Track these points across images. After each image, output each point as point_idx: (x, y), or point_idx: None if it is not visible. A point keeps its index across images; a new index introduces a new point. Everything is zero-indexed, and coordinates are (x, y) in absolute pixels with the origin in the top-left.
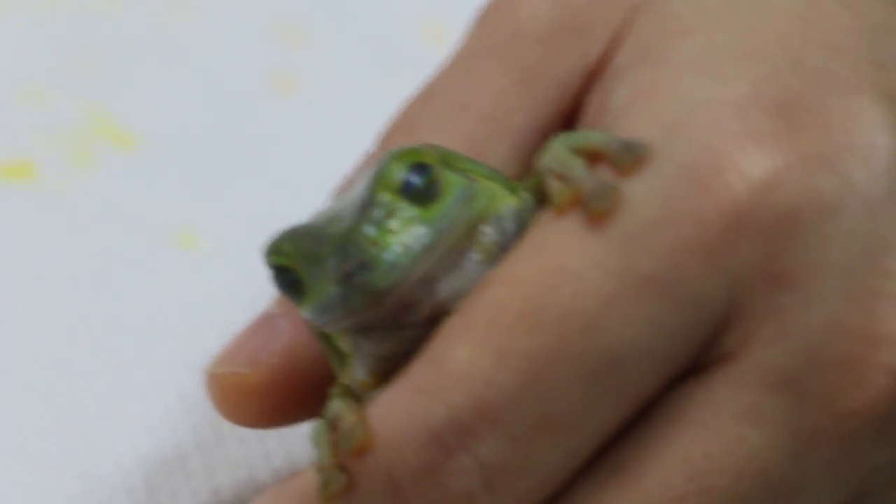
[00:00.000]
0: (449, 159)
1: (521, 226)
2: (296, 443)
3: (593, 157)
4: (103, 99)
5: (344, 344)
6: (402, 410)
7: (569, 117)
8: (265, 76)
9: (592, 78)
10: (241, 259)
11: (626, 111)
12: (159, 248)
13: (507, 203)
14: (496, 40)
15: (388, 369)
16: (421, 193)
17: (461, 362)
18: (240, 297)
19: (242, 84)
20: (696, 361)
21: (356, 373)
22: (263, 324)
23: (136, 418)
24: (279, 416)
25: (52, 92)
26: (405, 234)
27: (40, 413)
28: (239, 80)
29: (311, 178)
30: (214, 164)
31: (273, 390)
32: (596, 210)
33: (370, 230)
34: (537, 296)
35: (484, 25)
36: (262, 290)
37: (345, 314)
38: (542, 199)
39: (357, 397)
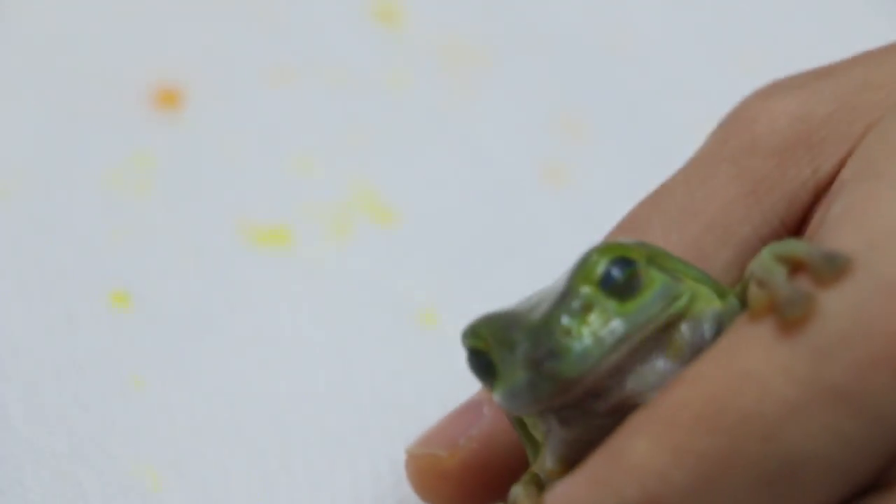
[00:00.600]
0: (656, 257)
1: (721, 329)
2: None
3: (796, 266)
4: (369, 173)
5: (538, 433)
6: (574, 499)
7: (795, 230)
8: (536, 165)
9: (822, 193)
10: None
11: (838, 223)
12: (401, 322)
13: (711, 306)
14: (732, 149)
15: (574, 458)
16: (621, 287)
17: (637, 456)
18: (468, 378)
19: (511, 171)
20: (878, 478)
21: (546, 462)
22: (468, 409)
23: (346, 486)
24: (472, 500)
25: (320, 162)
26: (599, 326)
27: (250, 473)
28: (509, 167)
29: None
30: (469, 247)
31: (468, 475)
32: (789, 318)
33: (564, 319)
34: (719, 398)
35: (721, 133)
36: None
37: (532, 401)
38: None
39: (543, 487)
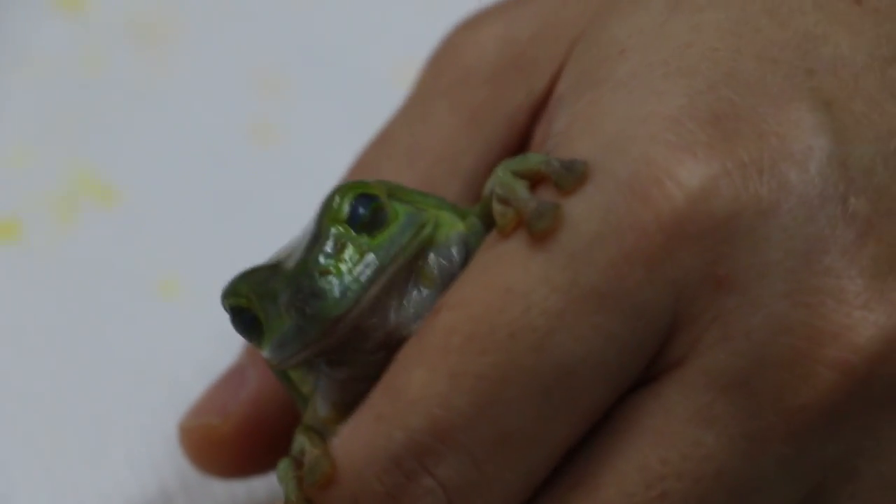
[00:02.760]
0: (396, 191)
1: (469, 251)
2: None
3: (536, 179)
4: (86, 157)
5: (306, 386)
6: (362, 439)
7: (517, 152)
8: (243, 127)
9: (539, 111)
10: (219, 305)
11: (567, 134)
12: (143, 297)
13: (455, 229)
14: (445, 82)
15: (349, 403)
16: (368, 222)
17: (416, 387)
18: (223, 342)
19: (221, 136)
20: (646, 371)
21: (319, 411)
22: (232, 376)
23: (122, 460)
24: (251, 464)
25: (36, 153)
26: (355, 262)
27: (27, 460)
28: (217, 132)
29: (290, 225)
30: (195, 215)
31: (243, 439)
32: (539, 230)
33: (321, 260)
34: (486, 317)
35: (433, 68)
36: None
37: (302, 346)
38: (490, 224)
39: (321, 435)
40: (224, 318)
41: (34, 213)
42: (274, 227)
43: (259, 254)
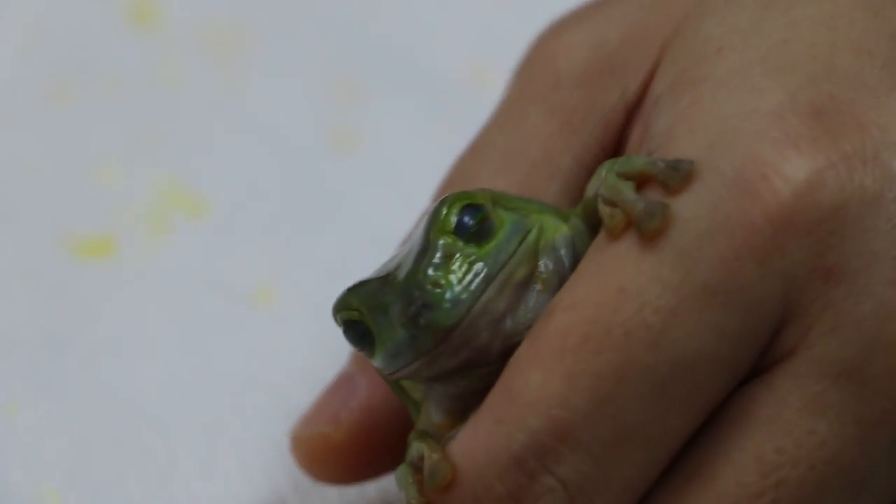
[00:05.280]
0: (499, 199)
1: (576, 253)
2: (389, 480)
3: (641, 180)
4: (173, 171)
5: (416, 392)
6: (482, 441)
7: (614, 153)
8: (324, 134)
9: (634, 112)
10: (319, 311)
11: (670, 134)
12: (240, 307)
13: (560, 232)
14: (538, 88)
15: (463, 409)
16: (475, 233)
17: (534, 389)
18: (322, 347)
19: (303, 143)
20: (758, 363)
21: (432, 417)
22: (342, 384)
23: (234, 468)
24: (364, 471)
25: (123, 169)
26: (464, 272)
27: (143, 472)
28: (299, 139)
29: (378, 229)
30: (283, 222)
31: (356, 446)
32: (648, 230)
33: (430, 272)
34: (601, 317)
35: (525, 75)
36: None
37: (415, 356)
38: (593, 225)
39: (435, 440)
40: (321, 323)
41: (127, 229)
42: (359, 232)
43: (346, 258)
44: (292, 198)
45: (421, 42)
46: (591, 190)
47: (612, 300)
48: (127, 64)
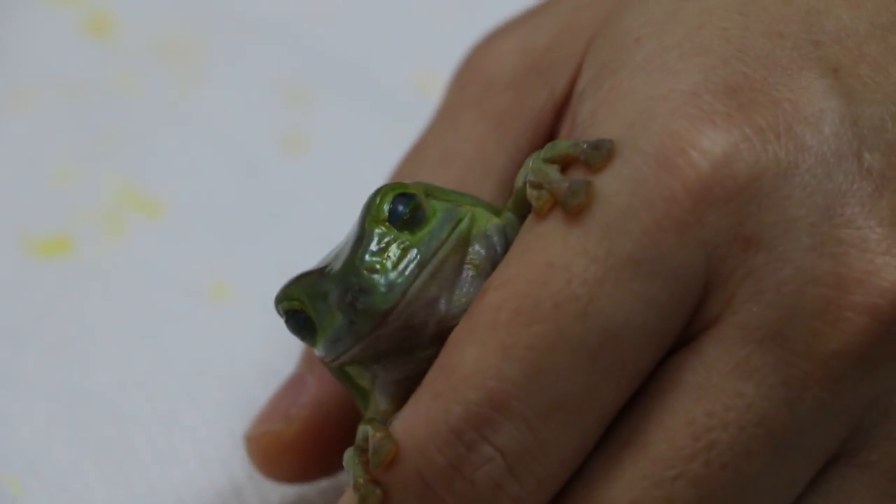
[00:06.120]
0: (432, 191)
1: (508, 240)
2: (343, 476)
3: (566, 162)
4: (128, 173)
5: (364, 381)
6: (422, 416)
7: None
8: (275, 138)
9: (562, 110)
10: (272, 306)
11: (591, 120)
12: (195, 302)
13: (493, 222)
14: (470, 93)
15: (407, 394)
16: (408, 220)
17: (470, 363)
18: (274, 340)
19: (254, 147)
20: (685, 332)
21: (379, 405)
22: (292, 384)
23: (191, 458)
24: (317, 468)
25: (80, 172)
26: (399, 257)
27: (102, 461)
28: (250, 143)
29: (327, 228)
30: (236, 222)
31: (308, 442)
32: (573, 206)
33: (366, 258)
34: (531, 292)
35: (457, 82)
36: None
37: (355, 340)
38: (524, 216)
39: (383, 422)
40: (275, 318)
41: (83, 229)
42: (310, 230)
43: (298, 255)
44: (244, 199)
45: (369, 51)
46: (520, 180)
47: (542, 275)
48: (84, 73)
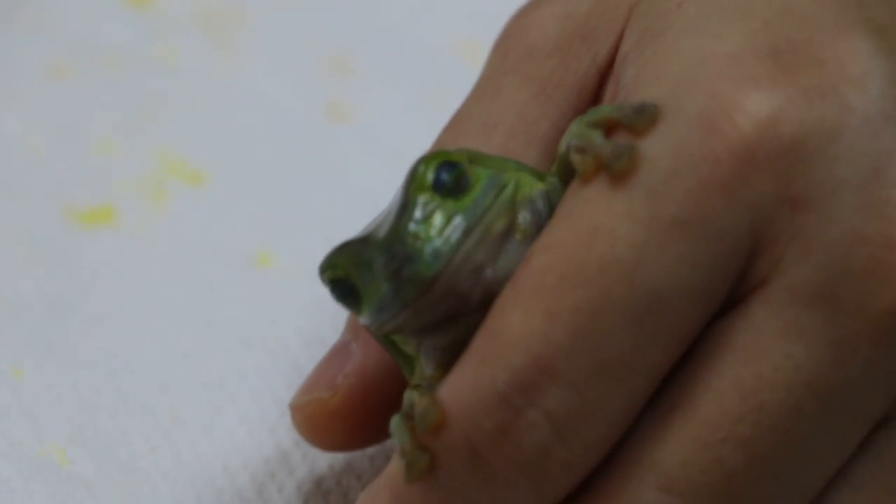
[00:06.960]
0: (476, 158)
1: (553, 205)
2: (390, 444)
3: (609, 126)
4: (170, 143)
5: (409, 347)
6: (469, 382)
7: None
8: (318, 107)
9: (606, 75)
10: (315, 273)
11: (635, 84)
12: (239, 269)
13: (537, 188)
14: (512, 61)
15: (453, 360)
16: (452, 188)
17: (516, 328)
18: (319, 307)
19: (296, 115)
20: (733, 294)
21: (425, 370)
22: (337, 352)
23: (237, 425)
24: (363, 436)
25: (123, 142)
26: (443, 225)
27: (147, 430)
28: (292, 112)
29: (370, 195)
30: (279, 191)
31: (353, 410)
32: (617, 170)
33: (410, 227)
34: (575, 256)
35: (499, 50)
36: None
37: (400, 308)
38: (569, 181)
39: (429, 388)
40: (319, 286)
41: (126, 198)
42: (353, 198)
43: (341, 223)
44: (287, 167)
45: (412, 18)
46: (563, 145)
47: (586, 239)
48: (124, 43)
